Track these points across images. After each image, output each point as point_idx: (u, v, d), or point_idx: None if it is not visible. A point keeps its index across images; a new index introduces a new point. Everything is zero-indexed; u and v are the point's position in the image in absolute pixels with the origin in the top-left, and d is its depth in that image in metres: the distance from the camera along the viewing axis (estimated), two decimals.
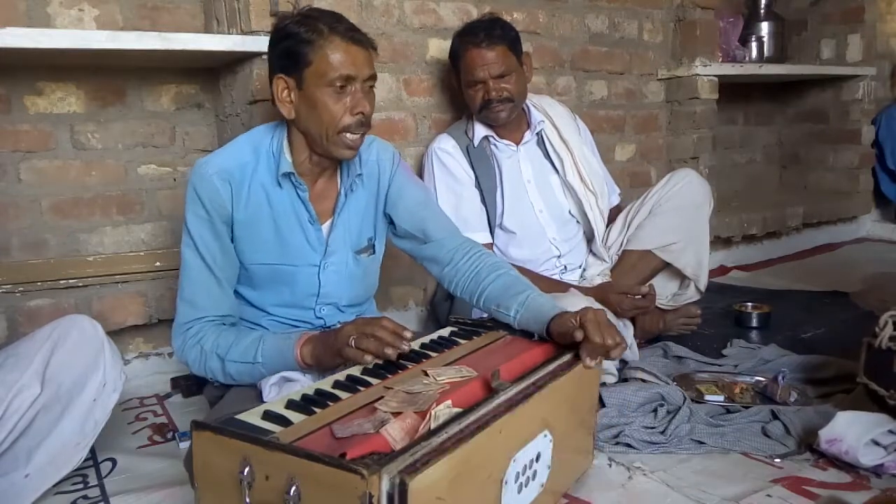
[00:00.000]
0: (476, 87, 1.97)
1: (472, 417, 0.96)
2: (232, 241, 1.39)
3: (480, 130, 2.05)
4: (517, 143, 2.08)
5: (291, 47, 1.31)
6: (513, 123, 2.05)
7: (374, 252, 1.54)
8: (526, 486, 1.08)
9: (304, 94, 1.32)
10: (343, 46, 1.30)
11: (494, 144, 2.06)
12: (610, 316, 1.78)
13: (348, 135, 1.34)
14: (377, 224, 1.54)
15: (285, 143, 1.40)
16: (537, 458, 1.10)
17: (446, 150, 2.02)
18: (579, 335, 1.20)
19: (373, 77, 1.35)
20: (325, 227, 1.45)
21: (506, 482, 1.02)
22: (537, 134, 2.11)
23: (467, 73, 1.97)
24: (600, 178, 2.17)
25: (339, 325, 1.26)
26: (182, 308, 1.37)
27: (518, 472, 1.05)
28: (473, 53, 1.93)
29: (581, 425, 1.32)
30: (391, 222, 1.55)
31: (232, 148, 1.41)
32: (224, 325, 1.38)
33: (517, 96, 1.98)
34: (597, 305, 1.74)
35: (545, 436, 1.12)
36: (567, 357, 1.25)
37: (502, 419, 0.99)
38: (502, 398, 1.04)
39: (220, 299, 1.38)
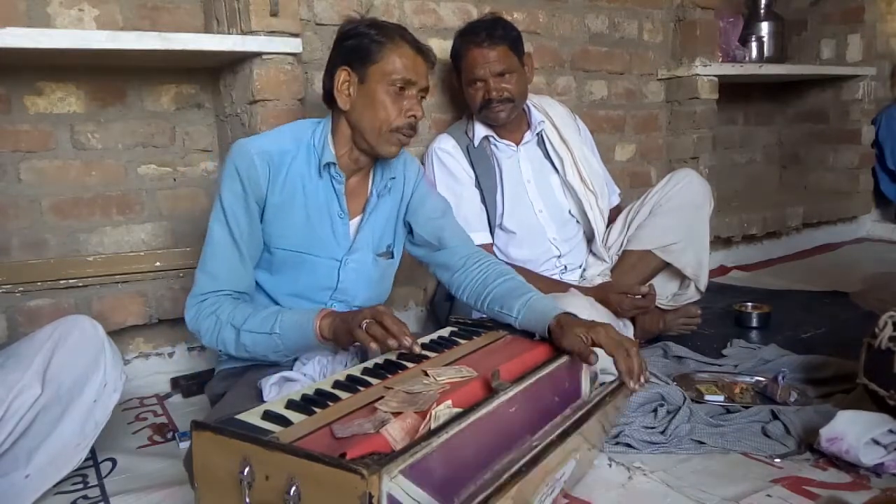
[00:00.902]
0: (476, 86, 1.97)
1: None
2: (261, 222, 1.41)
3: (480, 130, 2.05)
4: (517, 143, 2.08)
5: (362, 44, 1.38)
6: (513, 123, 2.05)
7: (392, 257, 1.57)
8: (544, 501, 1.09)
9: (365, 89, 1.39)
10: (410, 54, 1.39)
11: (494, 144, 2.06)
12: (610, 316, 1.80)
13: (399, 135, 1.41)
14: (397, 231, 1.58)
15: (329, 136, 1.45)
16: (560, 478, 1.11)
17: (446, 150, 2.03)
18: (594, 360, 1.24)
19: (426, 89, 1.44)
20: (353, 224, 1.49)
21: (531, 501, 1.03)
22: (537, 134, 2.10)
23: (468, 71, 1.97)
24: (600, 178, 2.17)
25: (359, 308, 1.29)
26: (201, 279, 1.38)
27: (544, 494, 1.06)
28: (475, 52, 1.94)
29: (600, 439, 1.32)
30: (410, 230, 1.60)
31: (274, 134, 1.45)
32: (240, 300, 1.39)
33: (518, 97, 1.98)
34: (597, 305, 1.75)
35: (574, 460, 1.13)
36: (615, 384, 1.26)
37: (554, 453, 1.01)
38: (547, 429, 1.06)
39: (241, 275, 1.39)
